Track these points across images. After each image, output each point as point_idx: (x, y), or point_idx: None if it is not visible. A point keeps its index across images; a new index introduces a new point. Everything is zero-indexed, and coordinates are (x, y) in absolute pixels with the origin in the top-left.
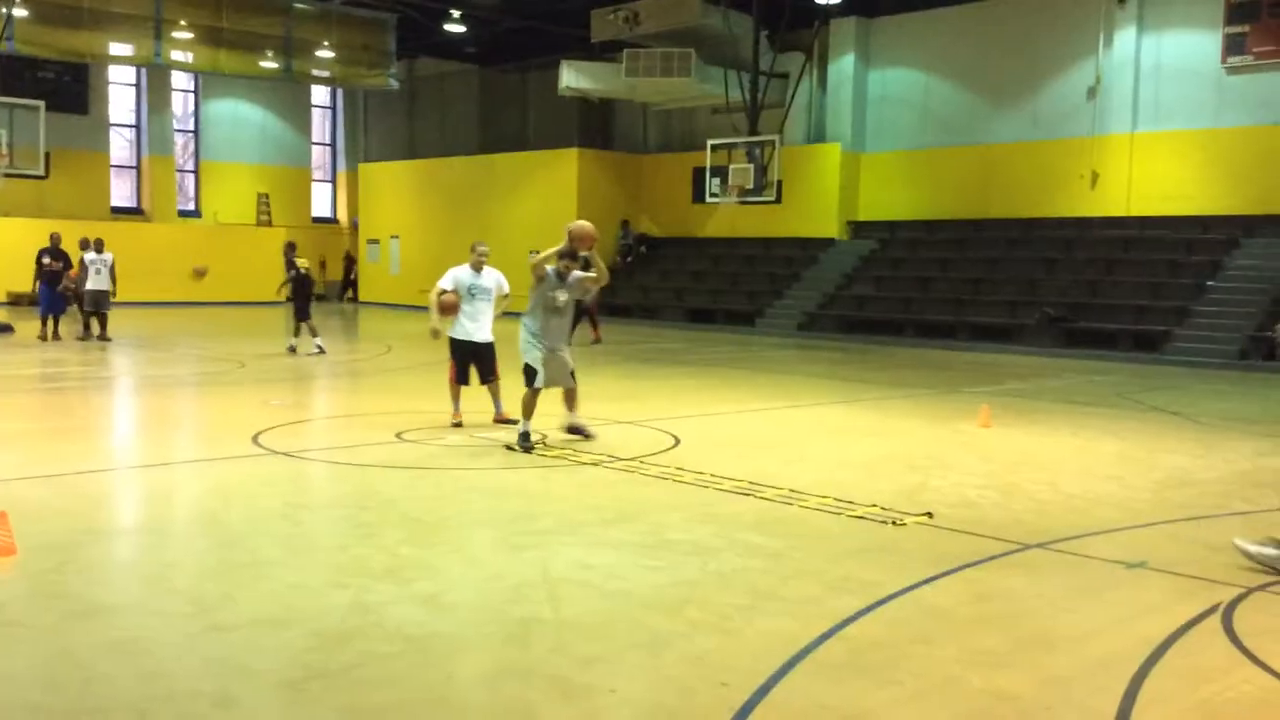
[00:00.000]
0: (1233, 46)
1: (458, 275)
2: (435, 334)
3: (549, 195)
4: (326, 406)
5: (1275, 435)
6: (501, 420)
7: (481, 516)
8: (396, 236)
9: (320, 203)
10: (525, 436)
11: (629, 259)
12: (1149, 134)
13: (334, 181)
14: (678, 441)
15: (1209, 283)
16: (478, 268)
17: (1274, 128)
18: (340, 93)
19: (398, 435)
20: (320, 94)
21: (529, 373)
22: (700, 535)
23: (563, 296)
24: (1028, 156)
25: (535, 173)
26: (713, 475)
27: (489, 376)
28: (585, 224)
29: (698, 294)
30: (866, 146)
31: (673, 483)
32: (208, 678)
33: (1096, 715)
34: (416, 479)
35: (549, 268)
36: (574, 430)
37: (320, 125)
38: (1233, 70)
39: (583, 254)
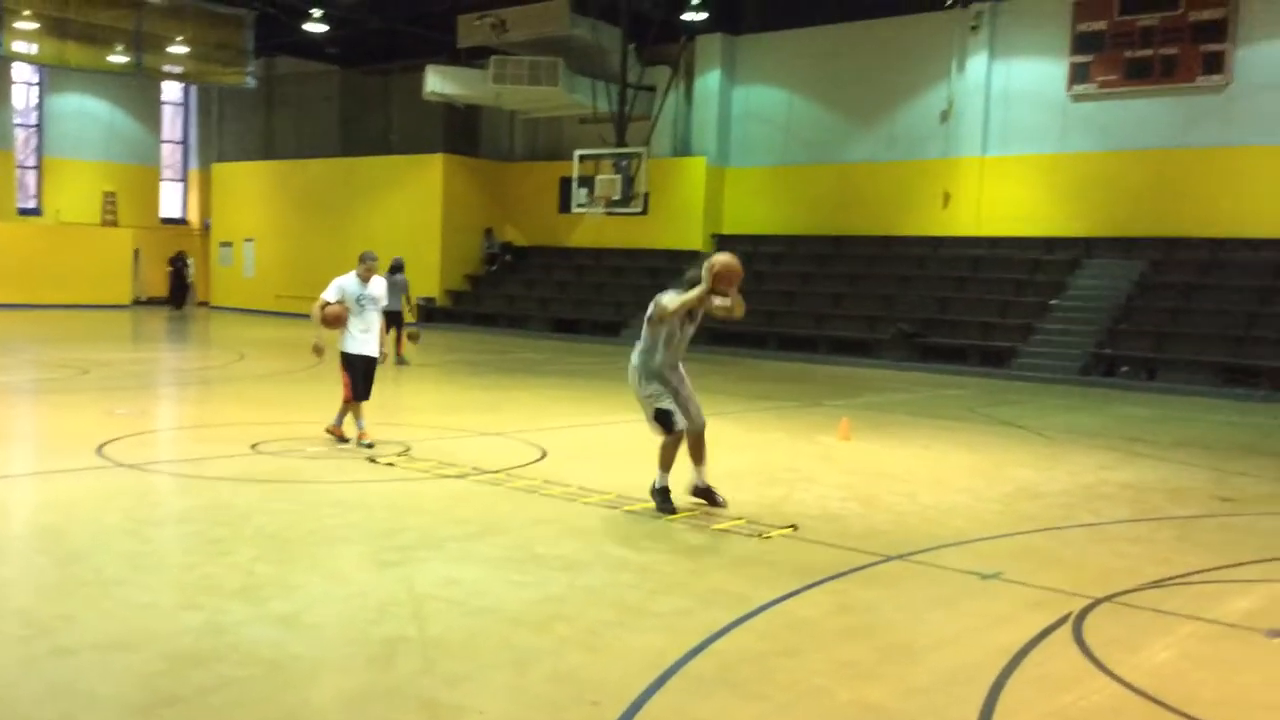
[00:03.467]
0: (1077, 75)
1: (344, 286)
2: (318, 350)
3: (413, 201)
4: (176, 417)
5: (1116, 449)
6: (335, 434)
7: (343, 531)
8: (251, 239)
9: (170, 203)
10: (665, 494)
11: (493, 268)
12: (998, 158)
13: (185, 181)
14: (544, 454)
15: (1053, 301)
16: (366, 278)
17: (1115, 153)
18: (193, 90)
19: (253, 447)
20: (172, 90)
21: (665, 417)
22: (568, 549)
23: (691, 331)
24: (885, 176)
25: (399, 177)
26: (580, 488)
27: (367, 394)
28: (731, 261)
29: (563, 304)
30: (731, 161)
31: (540, 495)
32: (49, 704)
33: None
34: (273, 493)
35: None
36: (702, 494)
37: (171, 122)
38: (1077, 98)
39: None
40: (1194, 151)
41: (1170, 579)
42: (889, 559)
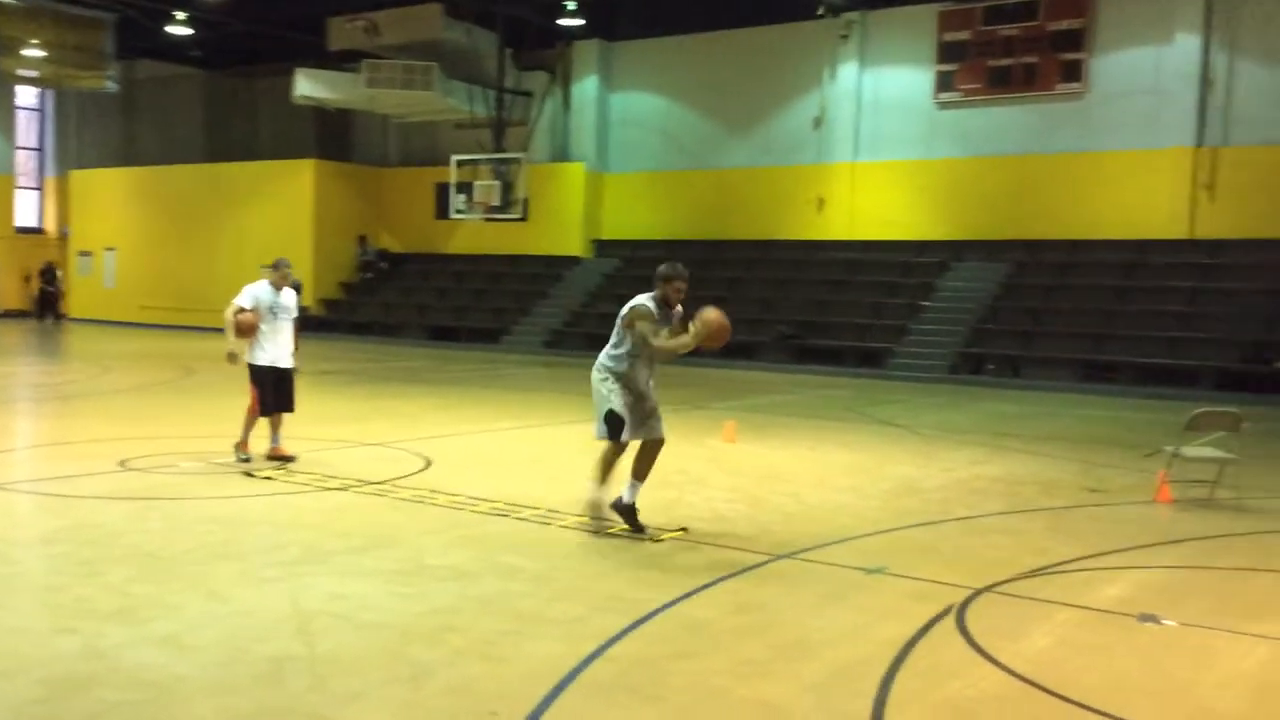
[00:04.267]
0: (943, 83)
1: (258, 294)
2: (233, 358)
3: (283, 207)
4: (36, 434)
5: (986, 444)
6: (277, 456)
7: (221, 548)
8: (112, 249)
9: (25, 211)
10: (632, 512)
11: (368, 275)
12: (869, 163)
13: (41, 189)
14: (429, 463)
15: (923, 303)
16: (279, 286)
17: (979, 159)
18: (50, 94)
19: (121, 463)
20: (27, 95)
21: (615, 422)
22: (459, 560)
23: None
24: (761, 182)
25: (268, 184)
26: (468, 497)
27: (287, 405)
28: (725, 324)
29: (441, 311)
30: (610, 167)
31: (427, 506)
32: None
33: (852, 718)
34: (145, 510)
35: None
36: (625, 512)
37: (26, 128)
38: (943, 105)
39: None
40: (1054, 157)
41: (1045, 568)
42: (778, 558)
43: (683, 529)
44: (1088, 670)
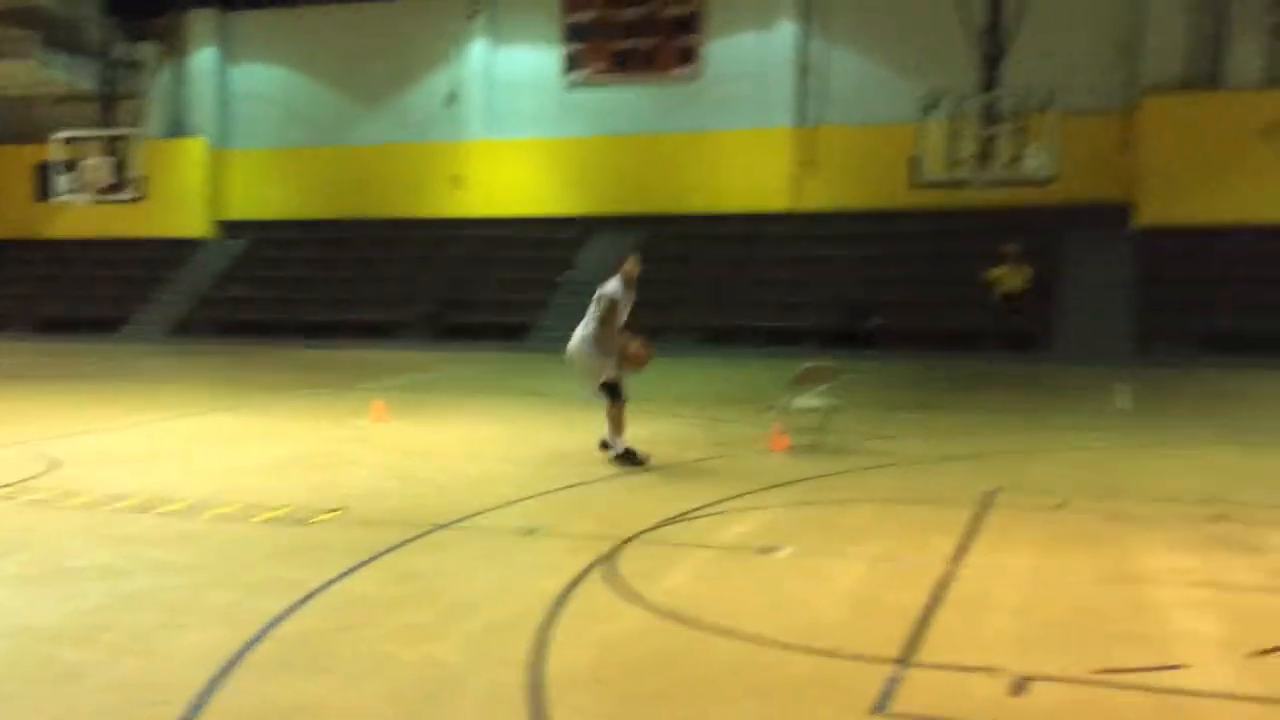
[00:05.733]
0: (571, 63)
1: None
2: None
3: None
4: None
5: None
6: None
7: None
8: None
9: None
10: (632, 454)
11: None
12: (503, 141)
13: None
14: (59, 463)
15: (559, 278)
16: None
17: (608, 138)
18: None
19: None
20: None
21: (615, 388)
22: (103, 559)
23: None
24: (397, 159)
25: None
26: (107, 495)
27: None
28: (641, 355)
29: (50, 301)
30: (234, 143)
31: (61, 507)
32: None
33: (515, 665)
34: None
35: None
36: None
37: None
38: (572, 85)
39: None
40: (675, 136)
41: (681, 516)
42: (437, 528)
43: (338, 509)
44: (718, 599)
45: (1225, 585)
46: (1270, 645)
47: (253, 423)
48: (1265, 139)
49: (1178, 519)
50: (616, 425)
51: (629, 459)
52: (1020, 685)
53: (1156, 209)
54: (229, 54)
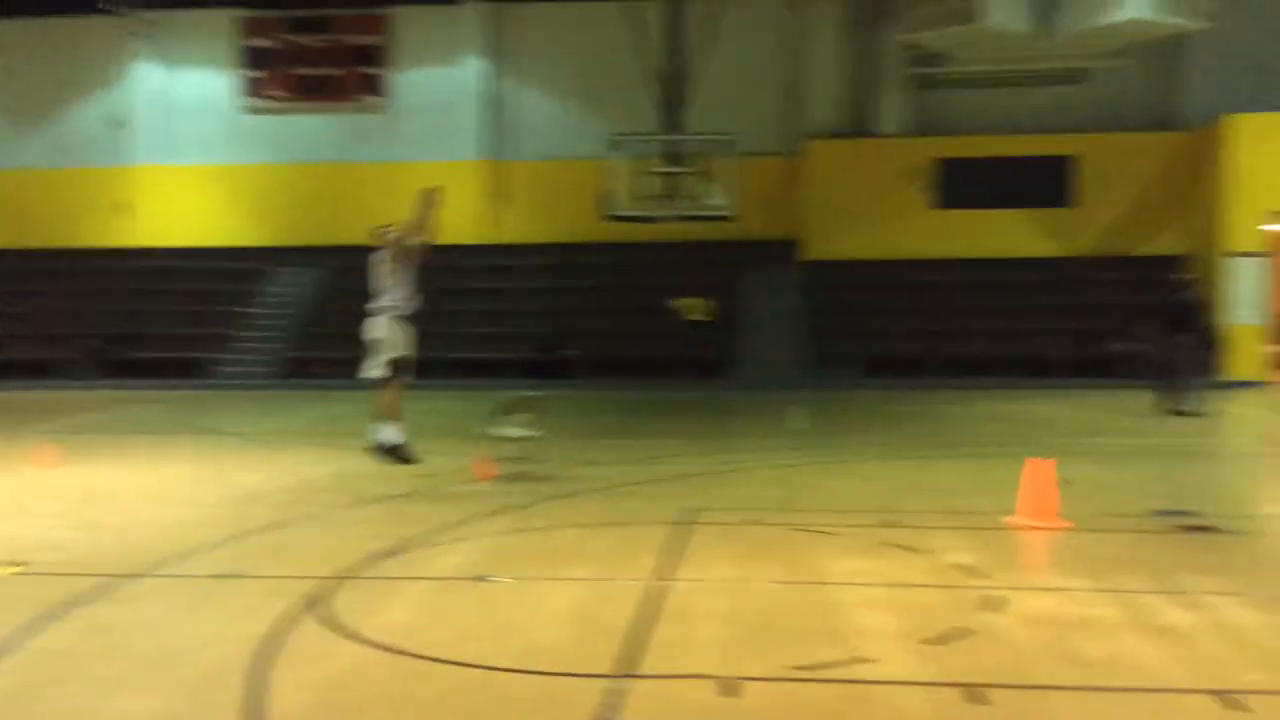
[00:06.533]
0: (250, 89)
1: None
2: None
3: None
4: None
5: (323, 445)
6: None
7: None
8: None
9: None
10: (405, 448)
11: None
12: (178, 167)
13: None
14: None
15: (245, 310)
16: None
17: (292, 166)
18: None
19: None
20: None
21: (408, 364)
22: None
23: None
24: (59, 184)
25: None
26: None
27: None
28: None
29: None
30: None
31: None
32: None
33: (231, 710)
34: None
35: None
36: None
37: None
38: (254, 111)
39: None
40: (364, 166)
41: (392, 550)
42: (129, 577)
43: (21, 563)
44: (438, 629)
45: (898, 584)
46: (937, 634)
47: None
48: (909, 180)
49: (855, 528)
50: (391, 410)
51: (397, 455)
52: (730, 687)
53: (820, 244)
54: None
